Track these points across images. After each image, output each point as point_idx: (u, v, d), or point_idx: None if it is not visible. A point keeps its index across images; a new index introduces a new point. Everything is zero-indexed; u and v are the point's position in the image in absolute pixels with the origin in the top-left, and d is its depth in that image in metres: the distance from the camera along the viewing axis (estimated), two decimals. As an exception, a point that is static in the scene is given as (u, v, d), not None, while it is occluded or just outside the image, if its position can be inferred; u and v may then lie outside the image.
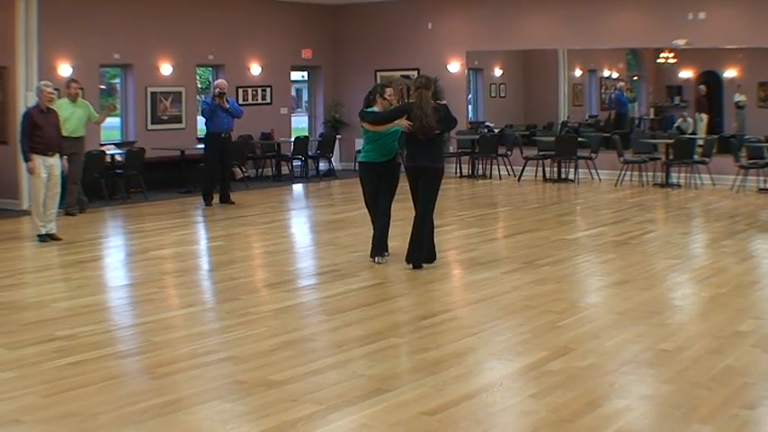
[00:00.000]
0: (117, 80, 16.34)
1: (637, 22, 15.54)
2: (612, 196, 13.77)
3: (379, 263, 8.37)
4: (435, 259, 8.36)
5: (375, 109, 8.38)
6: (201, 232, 11.35)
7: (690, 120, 16.66)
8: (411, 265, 8.12)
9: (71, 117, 12.07)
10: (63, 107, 12.12)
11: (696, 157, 14.66)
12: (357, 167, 8.83)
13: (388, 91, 8.53)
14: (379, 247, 8.47)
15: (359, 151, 18.27)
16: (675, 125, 16.85)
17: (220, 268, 8.70)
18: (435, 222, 8.59)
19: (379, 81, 18.26)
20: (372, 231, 8.63)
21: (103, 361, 5.40)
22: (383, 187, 8.43)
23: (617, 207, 12.49)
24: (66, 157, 10.08)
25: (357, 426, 4.31)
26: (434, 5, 17.49)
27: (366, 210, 8.69)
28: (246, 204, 13.16)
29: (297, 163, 16.92)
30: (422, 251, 8.15)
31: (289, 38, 17.76)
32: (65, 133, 12.03)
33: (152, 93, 15.30)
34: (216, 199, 13.11)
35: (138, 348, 5.71)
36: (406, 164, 8.34)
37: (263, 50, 17.26)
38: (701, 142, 15.14)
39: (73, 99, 12.18)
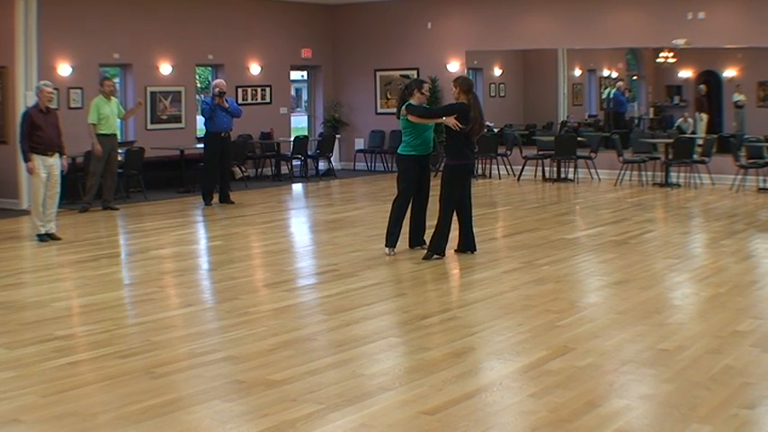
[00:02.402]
0: (117, 80, 16.33)
1: (636, 21, 15.55)
2: (612, 196, 13.76)
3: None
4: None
5: (413, 103, 8.64)
6: (201, 232, 11.34)
7: (690, 120, 16.68)
8: (470, 252, 8.74)
9: (111, 115, 12.33)
10: (102, 105, 12.33)
11: (696, 156, 14.66)
12: (395, 161, 9.10)
13: (426, 86, 8.90)
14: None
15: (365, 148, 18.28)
16: (676, 125, 16.87)
17: (220, 268, 8.70)
18: (434, 222, 8.65)
19: (378, 81, 18.31)
20: (389, 225, 8.82)
21: (102, 360, 5.40)
22: (424, 182, 8.83)
23: (616, 207, 12.49)
24: (64, 156, 10.06)
25: (356, 425, 4.31)
26: (434, 5, 17.49)
27: (397, 204, 8.81)
28: (246, 204, 13.16)
29: (296, 163, 16.92)
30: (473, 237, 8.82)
31: (288, 37, 17.77)
32: (107, 131, 12.36)
33: (152, 92, 15.31)
34: (215, 198, 13.12)
35: (138, 348, 5.71)
36: (456, 162, 8.56)
37: (263, 50, 17.26)
38: (700, 142, 15.15)
39: (107, 97, 12.35)
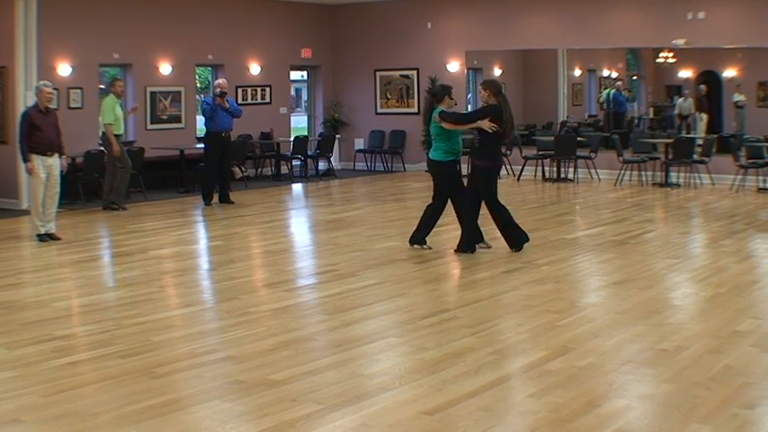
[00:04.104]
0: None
1: (636, 21, 15.55)
2: (612, 196, 13.77)
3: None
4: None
5: (443, 108, 8.75)
6: (201, 232, 11.34)
7: (690, 100, 16.73)
8: (516, 249, 8.82)
9: (121, 116, 12.41)
10: (115, 105, 12.32)
11: (695, 156, 14.66)
12: (434, 168, 9.02)
13: (452, 92, 9.06)
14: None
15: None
16: (676, 110, 16.93)
17: (220, 268, 8.70)
18: (436, 222, 8.66)
19: (378, 81, 18.32)
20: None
21: (102, 360, 5.40)
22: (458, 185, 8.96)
23: (616, 207, 12.49)
24: (64, 156, 10.04)
25: (356, 425, 4.31)
26: (434, 5, 17.49)
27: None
28: (246, 204, 13.16)
29: (296, 163, 16.92)
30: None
31: (288, 37, 17.77)
32: (117, 132, 12.32)
33: (151, 92, 15.31)
34: (215, 198, 13.11)
35: (138, 348, 5.70)
36: (488, 163, 8.71)
37: (263, 50, 17.26)
38: (700, 142, 15.15)
39: (118, 97, 12.40)
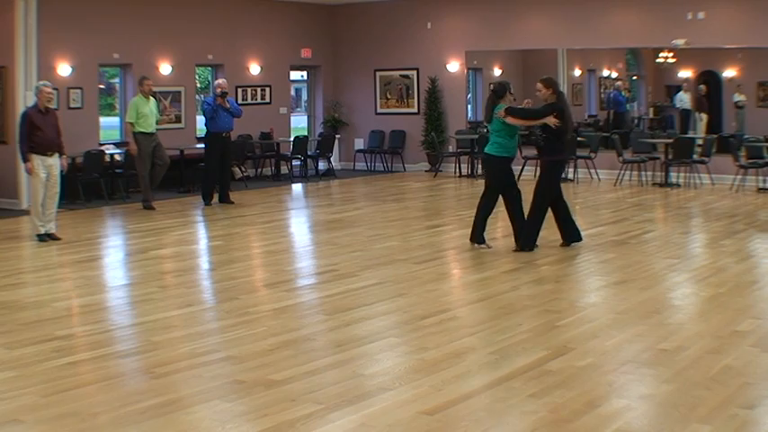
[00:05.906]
0: (116, 80, 16.33)
1: (636, 22, 15.55)
2: (612, 196, 13.76)
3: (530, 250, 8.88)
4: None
5: (507, 105, 8.91)
6: (201, 232, 11.34)
7: (689, 94, 16.78)
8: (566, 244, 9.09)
9: (150, 114, 12.43)
10: (141, 104, 12.41)
11: (695, 156, 14.66)
12: (486, 162, 9.36)
13: (512, 88, 9.31)
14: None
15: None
16: (677, 98, 17.01)
17: (220, 268, 8.70)
18: (434, 222, 8.65)
19: (378, 81, 18.32)
20: (477, 220, 9.03)
21: (102, 360, 5.40)
22: (514, 182, 9.17)
23: (616, 207, 12.49)
24: (64, 156, 10.04)
25: (356, 425, 4.31)
26: (434, 5, 17.49)
27: (484, 202, 9.03)
28: (246, 204, 13.16)
29: (296, 162, 16.92)
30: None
31: (288, 37, 17.77)
32: (146, 130, 12.36)
33: (151, 92, 15.28)
34: (215, 198, 13.12)
35: (138, 348, 5.71)
36: (557, 157, 8.95)
37: (263, 50, 17.26)
38: (700, 142, 15.15)
39: (146, 96, 12.41)
